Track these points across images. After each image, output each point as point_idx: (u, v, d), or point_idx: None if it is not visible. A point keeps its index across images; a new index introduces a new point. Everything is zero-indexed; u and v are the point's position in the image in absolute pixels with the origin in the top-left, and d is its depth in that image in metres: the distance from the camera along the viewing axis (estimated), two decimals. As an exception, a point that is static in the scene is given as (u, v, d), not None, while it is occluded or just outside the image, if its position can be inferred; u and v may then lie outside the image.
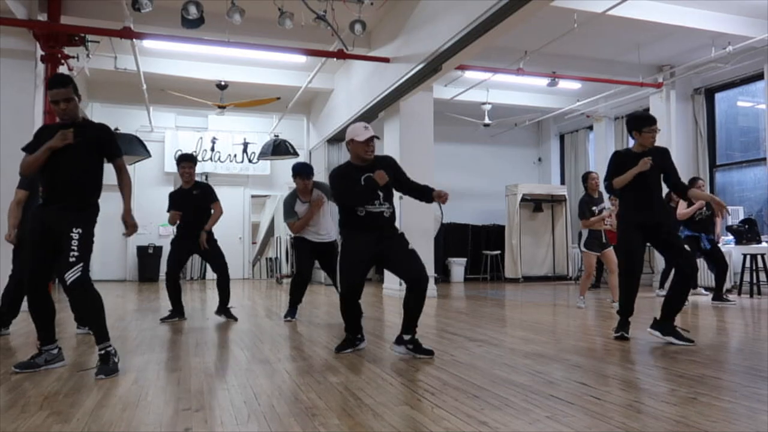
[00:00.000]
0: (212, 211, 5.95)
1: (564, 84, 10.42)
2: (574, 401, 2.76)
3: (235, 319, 5.91)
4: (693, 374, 3.33)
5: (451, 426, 2.41)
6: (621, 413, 2.56)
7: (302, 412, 2.63)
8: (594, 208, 6.57)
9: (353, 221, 3.97)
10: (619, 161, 4.57)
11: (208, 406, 2.75)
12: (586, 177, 6.76)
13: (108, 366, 3.39)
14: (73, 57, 7.71)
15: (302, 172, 5.77)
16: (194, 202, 5.87)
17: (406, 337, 3.92)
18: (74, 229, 3.40)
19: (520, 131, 13.77)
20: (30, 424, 2.48)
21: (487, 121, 11.75)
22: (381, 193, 3.97)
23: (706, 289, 8.48)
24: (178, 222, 5.89)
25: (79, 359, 3.88)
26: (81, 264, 3.40)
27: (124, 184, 3.61)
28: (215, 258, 5.98)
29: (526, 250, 12.51)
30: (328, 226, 5.91)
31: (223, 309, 6.01)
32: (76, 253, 3.38)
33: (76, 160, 3.48)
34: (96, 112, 11.98)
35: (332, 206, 5.23)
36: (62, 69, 7.44)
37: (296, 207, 5.79)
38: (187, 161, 5.98)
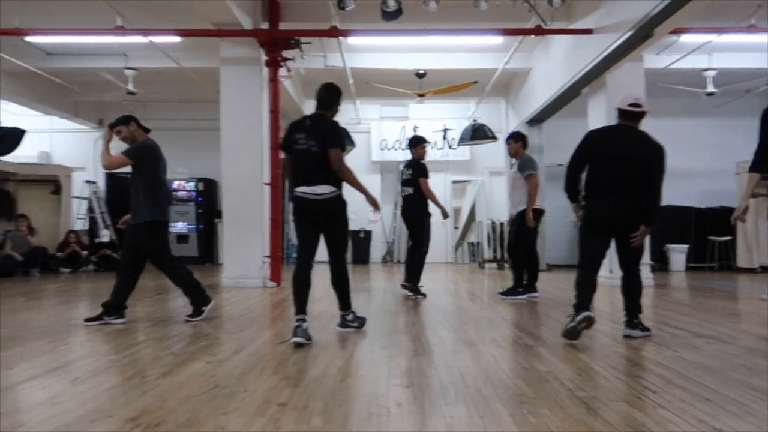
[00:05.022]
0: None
1: (815, 37, 8.68)
2: (842, 416, 2.30)
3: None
4: None
5: (678, 429, 2.16)
6: None
7: (509, 398, 2.59)
8: None
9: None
10: None
11: (417, 384, 2.84)
12: None
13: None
14: (291, 59, 8.53)
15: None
16: None
17: (636, 321, 4.03)
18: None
19: (752, 99, 11.83)
20: (268, 385, 2.82)
21: (710, 89, 10.32)
22: None
23: None
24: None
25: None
26: None
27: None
28: None
29: (765, 235, 10.76)
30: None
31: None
32: None
33: None
34: (311, 108, 13.14)
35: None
36: (282, 71, 8.29)
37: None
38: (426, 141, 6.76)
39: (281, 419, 2.31)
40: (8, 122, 11.56)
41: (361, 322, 4.36)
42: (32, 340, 4.01)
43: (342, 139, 4.13)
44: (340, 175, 4.04)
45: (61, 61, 10.39)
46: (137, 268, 4.80)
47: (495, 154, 13.07)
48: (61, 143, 13.06)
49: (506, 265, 11.26)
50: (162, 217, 4.80)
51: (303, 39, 8.26)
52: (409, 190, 6.46)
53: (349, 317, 4.32)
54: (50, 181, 11.84)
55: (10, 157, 11.31)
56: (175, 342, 3.95)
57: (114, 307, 4.69)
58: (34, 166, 11.93)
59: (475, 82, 10.44)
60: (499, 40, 9.31)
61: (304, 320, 3.86)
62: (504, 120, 13.00)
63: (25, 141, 11.71)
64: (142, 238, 4.72)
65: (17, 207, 11.18)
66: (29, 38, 8.92)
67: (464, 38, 8.91)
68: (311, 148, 4.02)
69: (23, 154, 11.95)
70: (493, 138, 11.80)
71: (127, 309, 4.78)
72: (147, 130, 4.96)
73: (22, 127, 11.67)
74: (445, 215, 6.57)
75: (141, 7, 7.66)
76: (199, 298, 4.92)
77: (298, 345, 3.74)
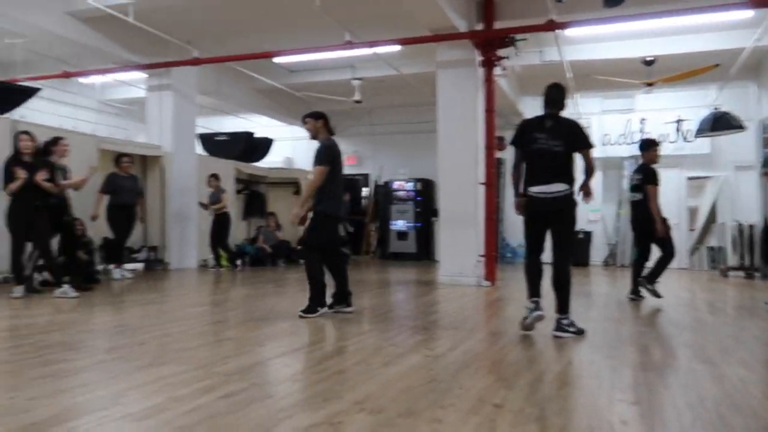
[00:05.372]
0: None
1: None
2: None
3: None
4: None
5: None
6: None
7: (762, 430, 2.22)
8: None
9: None
10: None
11: (645, 401, 2.60)
12: None
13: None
14: (506, 57, 8.43)
15: None
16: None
17: None
18: None
19: None
20: (482, 383, 2.84)
21: None
22: None
23: None
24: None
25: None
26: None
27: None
28: None
29: None
30: None
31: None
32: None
33: None
34: (527, 105, 12.86)
35: None
36: (497, 70, 8.25)
37: None
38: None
39: (496, 420, 2.31)
40: (260, 133, 13.48)
41: (579, 330, 4.15)
42: (278, 323, 4.61)
43: (590, 138, 4.28)
44: (590, 171, 4.25)
45: (300, 77, 11.79)
46: (337, 257, 5.26)
47: (743, 145, 11.34)
48: (301, 150, 14.76)
49: (757, 274, 9.73)
50: (336, 211, 5.14)
51: (518, 36, 8.11)
52: (638, 196, 6.15)
53: (566, 321, 4.13)
54: (292, 183, 13.45)
55: (262, 163, 13.16)
56: (395, 334, 4.19)
57: (341, 297, 5.16)
58: (280, 170, 13.67)
59: (717, 65, 9.18)
60: (747, 14, 8.03)
61: (538, 303, 4.11)
62: (754, 106, 11.20)
63: (273, 149, 13.52)
64: (312, 225, 5.10)
65: (267, 206, 12.95)
66: (276, 59, 10.26)
67: (702, 16, 7.83)
68: (553, 147, 4.13)
69: (272, 160, 13.83)
70: (740, 128, 10.25)
71: (351, 296, 5.20)
72: (331, 132, 5.28)
73: (270, 137, 13.51)
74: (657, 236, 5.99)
75: (364, 22, 8.28)
76: (319, 299, 5.01)
77: (527, 328, 4.07)
